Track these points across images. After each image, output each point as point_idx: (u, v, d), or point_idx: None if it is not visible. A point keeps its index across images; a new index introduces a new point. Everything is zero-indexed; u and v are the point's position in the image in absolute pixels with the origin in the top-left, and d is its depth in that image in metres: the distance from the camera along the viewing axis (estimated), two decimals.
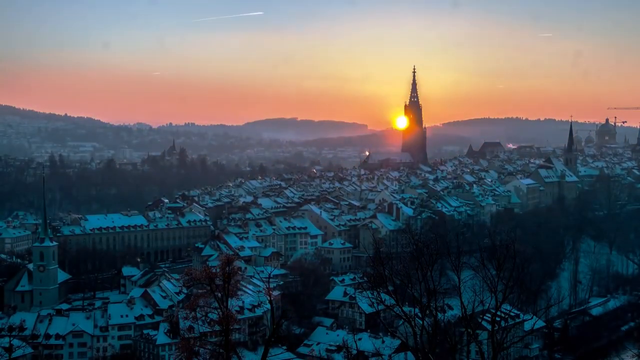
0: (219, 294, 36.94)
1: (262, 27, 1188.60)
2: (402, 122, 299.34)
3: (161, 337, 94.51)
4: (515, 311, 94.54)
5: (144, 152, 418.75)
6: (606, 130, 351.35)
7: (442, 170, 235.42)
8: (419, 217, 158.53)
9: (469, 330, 36.89)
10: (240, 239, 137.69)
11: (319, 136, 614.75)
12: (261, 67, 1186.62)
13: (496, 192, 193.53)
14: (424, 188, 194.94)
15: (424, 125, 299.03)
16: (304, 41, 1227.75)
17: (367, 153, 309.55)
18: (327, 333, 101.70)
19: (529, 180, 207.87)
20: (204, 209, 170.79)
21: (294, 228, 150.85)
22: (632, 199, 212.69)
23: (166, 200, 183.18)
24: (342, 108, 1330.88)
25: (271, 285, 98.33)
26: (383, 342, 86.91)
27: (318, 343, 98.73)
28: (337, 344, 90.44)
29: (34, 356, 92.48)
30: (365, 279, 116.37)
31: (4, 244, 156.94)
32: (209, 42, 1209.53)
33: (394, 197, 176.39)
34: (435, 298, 35.90)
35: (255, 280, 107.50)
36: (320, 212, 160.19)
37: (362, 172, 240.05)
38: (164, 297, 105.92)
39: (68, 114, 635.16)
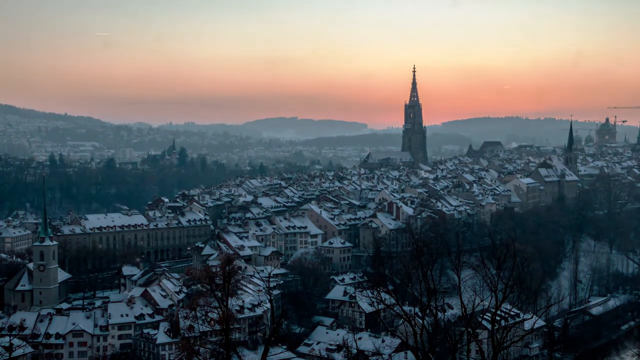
0: (219, 293, 36.98)
1: (262, 27, 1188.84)
2: (401, 121, 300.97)
3: (161, 337, 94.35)
4: (515, 310, 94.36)
5: (144, 152, 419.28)
6: (606, 129, 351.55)
7: (442, 170, 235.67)
8: (419, 216, 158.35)
9: (469, 329, 36.89)
10: (240, 238, 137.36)
11: (319, 136, 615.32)
12: (261, 67, 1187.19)
13: (496, 192, 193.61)
14: (424, 187, 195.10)
15: (424, 125, 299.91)
16: (304, 40, 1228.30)
17: (368, 152, 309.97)
18: (327, 332, 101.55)
19: (529, 180, 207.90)
20: (204, 208, 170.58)
21: (294, 227, 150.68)
22: (632, 198, 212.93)
23: (166, 200, 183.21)
24: (342, 108, 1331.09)
25: (271, 285, 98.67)
26: (383, 341, 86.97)
27: (318, 342, 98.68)
28: (337, 343, 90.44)
29: (34, 355, 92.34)
30: (365, 278, 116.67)
31: (4, 243, 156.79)
32: (209, 42, 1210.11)
33: (394, 196, 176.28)
34: (435, 297, 35.93)
35: (255, 280, 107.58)
36: (320, 211, 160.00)
37: (362, 171, 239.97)
38: (164, 297, 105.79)
39: (68, 114, 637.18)
